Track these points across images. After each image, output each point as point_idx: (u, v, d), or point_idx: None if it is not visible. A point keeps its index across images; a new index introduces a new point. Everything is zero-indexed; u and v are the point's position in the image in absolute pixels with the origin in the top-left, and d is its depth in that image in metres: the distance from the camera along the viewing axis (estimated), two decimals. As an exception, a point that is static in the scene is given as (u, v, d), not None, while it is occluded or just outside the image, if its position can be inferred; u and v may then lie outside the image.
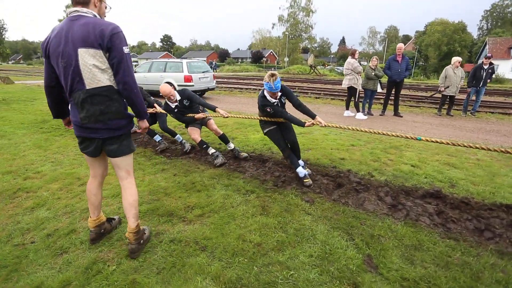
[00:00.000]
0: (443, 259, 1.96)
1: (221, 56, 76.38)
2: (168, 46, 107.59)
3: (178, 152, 4.28)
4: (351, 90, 6.98)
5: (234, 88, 14.39)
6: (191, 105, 3.84)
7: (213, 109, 3.55)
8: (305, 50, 73.56)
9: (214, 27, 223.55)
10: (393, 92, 7.35)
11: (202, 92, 10.90)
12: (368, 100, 7.50)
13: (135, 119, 2.00)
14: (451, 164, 3.78)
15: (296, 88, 14.46)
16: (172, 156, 4.13)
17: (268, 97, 3.04)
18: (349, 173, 3.39)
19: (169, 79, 9.88)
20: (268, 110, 3.06)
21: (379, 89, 7.28)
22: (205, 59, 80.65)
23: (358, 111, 7.10)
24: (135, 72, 10.80)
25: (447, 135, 5.58)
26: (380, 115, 7.52)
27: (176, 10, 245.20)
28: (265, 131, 3.28)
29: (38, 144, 4.54)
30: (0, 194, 2.89)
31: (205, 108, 3.87)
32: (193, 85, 9.84)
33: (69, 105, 1.86)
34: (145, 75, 10.39)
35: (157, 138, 4.42)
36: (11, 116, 6.50)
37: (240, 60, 75.13)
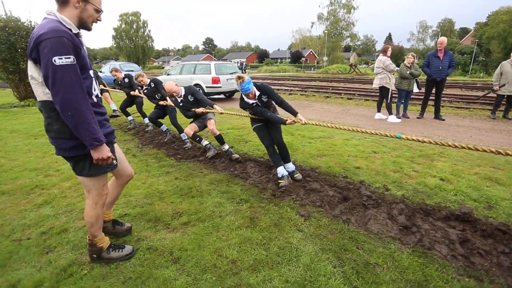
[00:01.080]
0: (451, 302, 1.58)
1: (260, 56, 76.91)
2: (210, 48, 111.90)
3: (190, 155, 4.28)
4: (383, 90, 6.36)
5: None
6: (195, 101, 4.01)
7: (211, 105, 3.78)
8: (347, 49, 70.43)
9: (255, 28, 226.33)
10: (433, 92, 6.54)
11: (230, 93, 10.99)
12: (403, 102, 6.78)
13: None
14: (494, 179, 3.16)
15: (330, 88, 13.82)
16: (182, 159, 4.14)
17: (246, 99, 3.12)
18: (361, 185, 3.02)
19: (198, 81, 10.14)
20: (249, 112, 3.18)
21: (415, 89, 6.52)
22: (244, 60, 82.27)
23: (390, 113, 6.45)
24: (167, 74, 11.38)
25: (498, 143, 4.76)
26: (418, 118, 6.74)
27: (218, 13, 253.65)
28: (253, 127, 3.34)
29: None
30: (20, 190, 3.14)
31: (208, 106, 3.91)
32: (220, 86, 9.95)
33: None
34: (176, 77, 10.79)
35: (164, 127, 4.84)
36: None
37: (279, 61, 74.93)
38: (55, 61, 1.38)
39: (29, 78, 1.54)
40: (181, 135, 4.78)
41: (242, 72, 12.45)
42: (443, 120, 6.55)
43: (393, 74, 6.30)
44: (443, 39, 6.21)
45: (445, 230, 2.27)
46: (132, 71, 13.58)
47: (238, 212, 2.55)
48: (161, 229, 2.33)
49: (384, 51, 6.30)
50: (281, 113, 3.34)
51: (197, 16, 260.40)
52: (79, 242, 2.18)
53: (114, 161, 1.78)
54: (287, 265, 1.88)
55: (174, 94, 4.00)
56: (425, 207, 2.57)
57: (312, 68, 50.54)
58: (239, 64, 26.09)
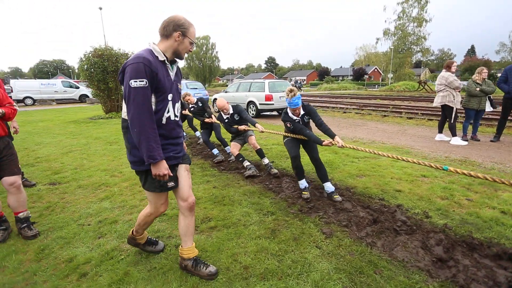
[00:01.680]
0: None
1: (321, 74, 76.31)
2: (271, 67, 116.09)
3: (232, 167, 4.56)
4: (446, 109, 5.74)
5: (321, 106, 14.11)
6: (240, 120, 4.29)
7: (254, 124, 3.96)
8: (418, 64, 64.58)
9: (318, 46, 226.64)
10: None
11: (281, 110, 11.23)
12: (472, 122, 5.97)
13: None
14: None
15: (390, 106, 12.91)
16: (225, 170, 4.44)
17: (290, 114, 3.18)
18: (397, 209, 2.80)
19: (252, 98, 10.68)
20: (288, 125, 3.20)
21: (488, 108, 5.69)
22: (305, 78, 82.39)
23: (454, 134, 5.73)
24: (225, 92, 12.27)
25: None
26: (492, 141, 5.83)
27: (279, 33, 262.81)
28: (284, 140, 3.41)
29: (133, 150, 5.74)
30: (91, 185, 3.82)
31: (249, 124, 4.14)
32: (273, 104, 10.28)
33: None
34: (233, 94, 11.56)
35: (215, 151, 4.93)
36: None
37: (340, 78, 73.11)
38: (131, 83, 1.57)
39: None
40: (226, 148, 5.14)
41: (299, 91, 12.62)
42: (527, 145, 5.52)
43: (459, 91, 5.65)
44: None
45: (492, 269, 1.96)
46: (196, 88, 15.04)
47: (262, 223, 2.65)
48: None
49: (447, 67, 5.72)
50: (318, 133, 3.35)
51: (259, 36, 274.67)
52: (123, 233, 2.56)
53: (171, 183, 1.83)
54: (296, 279, 1.89)
55: (224, 111, 4.31)
56: (470, 241, 2.25)
57: (376, 86, 47.73)
58: (293, 82, 26.53)
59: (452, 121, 5.69)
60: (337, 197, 3.04)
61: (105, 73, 10.59)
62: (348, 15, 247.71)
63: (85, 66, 10.59)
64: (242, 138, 4.39)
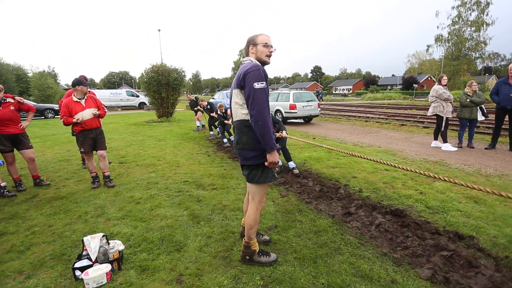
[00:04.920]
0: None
1: (367, 83, 73.96)
2: (317, 76, 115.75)
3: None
4: (438, 118, 6.41)
5: (347, 115, 14.81)
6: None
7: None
8: (487, 71, 58.61)
9: (367, 54, 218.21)
10: (507, 121, 6.04)
11: (308, 118, 12.39)
12: (467, 131, 6.48)
13: None
14: (473, 198, 3.40)
15: (418, 116, 13.06)
16: (236, 158, 5.89)
17: None
18: (343, 187, 3.93)
19: (279, 107, 12.06)
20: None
21: (480, 117, 6.19)
22: (351, 87, 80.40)
23: (445, 141, 6.35)
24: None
25: None
26: (486, 148, 6.28)
27: (324, 41, 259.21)
28: None
29: (175, 145, 7.57)
30: (144, 165, 5.59)
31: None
32: (296, 112, 11.53)
33: None
34: (263, 103, 13.06)
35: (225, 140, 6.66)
36: (174, 129, 10.55)
37: (389, 87, 70.04)
38: (254, 85, 1.88)
39: (233, 103, 2.10)
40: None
41: (319, 100, 13.60)
42: (519, 153, 5.90)
43: (450, 102, 6.29)
44: (515, 66, 5.83)
45: (376, 217, 3.04)
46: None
47: (245, 188, 4.02)
48: (201, 189, 4.06)
49: (438, 80, 6.43)
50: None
51: (307, 46, 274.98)
52: (161, 187, 4.16)
53: (276, 171, 2.16)
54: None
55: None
56: (375, 205, 3.32)
57: (427, 95, 45.04)
58: (316, 93, 27.55)
59: (443, 129, 6.34)
60: (296, 171, 4.39)
61: (159, 85, 13.01)
62: (404, 22, 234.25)
63: (145, 79, 13.17)
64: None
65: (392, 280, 2.03)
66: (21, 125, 4.20)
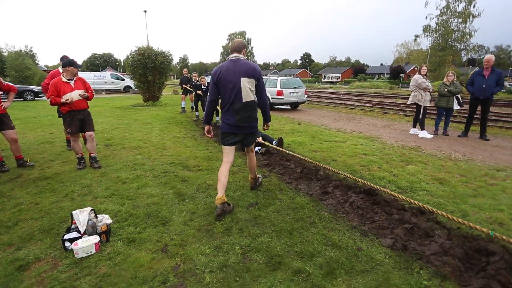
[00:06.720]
0: (303, 216, 2.79)
1: (356, 72, 74.49)
2: (306, 63, 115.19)
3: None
4: (416, 106, 6.71)
5: (333, 103, 15.06)
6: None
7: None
8: (471, 62, 60.10)
9: (358, 42, 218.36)
10: (479, 111, 6.41)
11: (295, 104, 12.53)
12: (443, 119, 6.84)
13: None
14: (439, 180, 3.69)
15: (401, 105, 13.47)
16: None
17: None
18: (322, 169, 4.14)
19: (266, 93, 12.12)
20: None
21: (455, 107, 6.53)
22: (339, 75, 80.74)
23: (422, 129, 6.69)
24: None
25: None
26: (459, 136, 6.67)
27: (317, 27, 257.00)
28: None
29: (161, 129, 7.58)
30: (130, 148, 5.63)
31: None
32: (283, 98, 11.64)
33: (223, 112, 2.87)
34: (251, 89, 13.08)
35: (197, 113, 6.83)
36: (161, 113, 10.48)
37: (377, 76, 70.89)
38: (263, 78, 2.84)
39: (245, 88, 2.73)
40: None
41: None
42: (488, 140, 6.31)
43: (428, 91, 6.58)
44: (490, 57, 6.14)
45: (350, 195, 3.28)
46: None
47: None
48: (186, 171, 4.18)
49: (418, 70, 6.68)
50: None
51: (296, 33, 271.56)
52: (147, 168, 4.25)
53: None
54: (233, 190, 3.39)
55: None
56: (351, 185, 3.56)
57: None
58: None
59: (421, 117, 6.66)
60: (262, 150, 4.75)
61: (146, 68, 12.74)
62: (398, 10, 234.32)
63: (130, 62, 12.84)
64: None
65: (358, 248, 2.27)
66: (2, 105, 4.14)
